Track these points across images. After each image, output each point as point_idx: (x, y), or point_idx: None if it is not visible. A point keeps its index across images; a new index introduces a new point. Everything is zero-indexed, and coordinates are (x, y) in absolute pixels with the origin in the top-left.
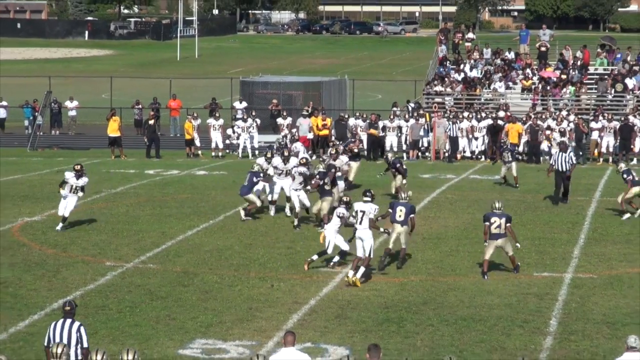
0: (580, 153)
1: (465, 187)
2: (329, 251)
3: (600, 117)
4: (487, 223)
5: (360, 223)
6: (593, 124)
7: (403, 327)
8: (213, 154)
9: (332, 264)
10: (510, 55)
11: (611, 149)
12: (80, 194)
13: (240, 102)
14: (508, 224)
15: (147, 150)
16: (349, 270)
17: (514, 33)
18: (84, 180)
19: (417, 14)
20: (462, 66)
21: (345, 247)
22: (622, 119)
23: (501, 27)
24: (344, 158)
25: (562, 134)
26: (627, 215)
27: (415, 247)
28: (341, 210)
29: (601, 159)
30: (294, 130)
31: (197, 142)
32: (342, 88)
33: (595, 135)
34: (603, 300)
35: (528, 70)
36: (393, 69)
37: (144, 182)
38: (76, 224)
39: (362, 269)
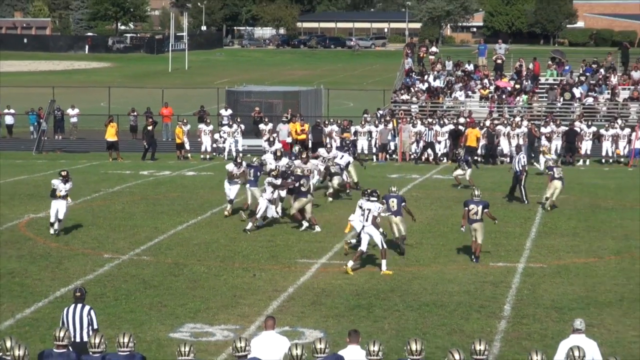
0: (532, 155)
1: (428, 186)
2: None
3: (550, 123)
4: (467, 209)
5: (367, 220)
6: (543, 129)
7: (372, 312)
8: (202, 156)
9: (349, 243)
10: (470, 67)
11: (559, 151)
12: (69, 199)
13: (226, 110)
14: (486, 210)
15: (144, 153)
16: (349, 261)
17: (473, 47)
18: (70, 185)
19: (385, 30)
20: (426, 77)
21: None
22: (568, 124)
23: (461, 42)
24: (314, 161)
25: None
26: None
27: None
28: (361, 201)
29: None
30: (274, 134)
31: (187, 146)
32: (318, 97)
33: (545, 139)
34: (552, 287)
35: (485, 81)
36: (364, 79)
37: (138, 182)
38: (77, 220)
39: (384, 262)
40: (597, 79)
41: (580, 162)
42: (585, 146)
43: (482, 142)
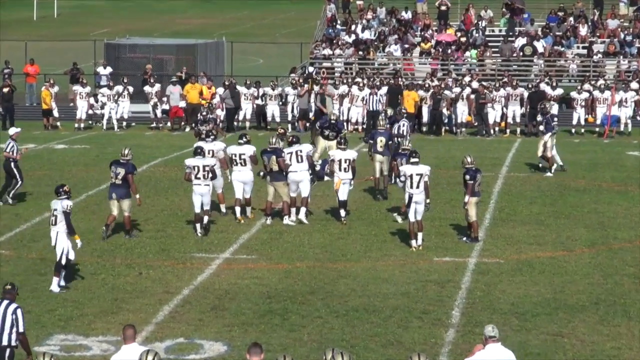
0: (483, 124)
1: (357, 162)
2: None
3: (506, 84)
4: (472, 182)
5: (417, 187)
6: (494, 92)
7: (288, 319)
8: (76, 125)
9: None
10: (407, 15)
11: (518, 119)
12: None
13: (105, 68)
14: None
15: (3, 121)
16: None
17: None
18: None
19: None
20: (353, 27)
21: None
22: (529, 85)
23: None
24: (220, 144)
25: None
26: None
27: (300, 229)
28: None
29: (508, 131)
30: (163, 99)
31: (56, 113)
32: (220, 51)
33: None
34: (511, 287)
35: (427, 32)
36: (276, 30)
37: None
38: None
39: (420, 235)
40: (564, 30)
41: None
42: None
43: (426, 107)
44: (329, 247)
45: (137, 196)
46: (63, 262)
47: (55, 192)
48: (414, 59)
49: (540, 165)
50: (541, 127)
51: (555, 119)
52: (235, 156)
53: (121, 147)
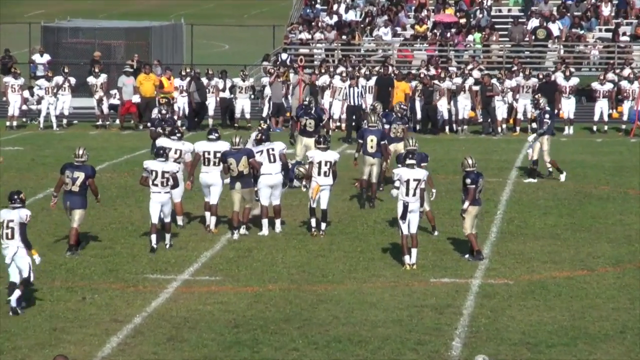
0: (490, 120)
1: (341, 166)
2: (315, 205)
3: (515, 74)
4: (474, 186)
5: (414, 194)
6: (506, 82)
7: (258, 352)
8: (7, 123)
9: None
10: None
11: (529, 115)
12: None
13: (42, 55)
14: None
15: None
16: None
17: None
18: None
19: None
20: (335, 7)
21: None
22: (540, 75)
23: None
24: (189, 145)
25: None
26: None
27: (274, 245)
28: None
29: (518, 128)
30: (112, 92)
31: None
32: (178, 35)
33: (509, 97)
34: (521, 314)
35: (422, 13)
36: (244, 10)
37: None
38: None
39: (414, 251)
40: (584, 10)
41: (565, 130)
42: (567, 107)
43: (418, 101)
44: (306, 266)
45: (98, 196)
46: (32, 277)
47: (9, 199)
48: (407, 44)
49: (550, 170)
50: (534, 125)
51: (547, 115)
52: (209, 154)
53: (61, 149)
